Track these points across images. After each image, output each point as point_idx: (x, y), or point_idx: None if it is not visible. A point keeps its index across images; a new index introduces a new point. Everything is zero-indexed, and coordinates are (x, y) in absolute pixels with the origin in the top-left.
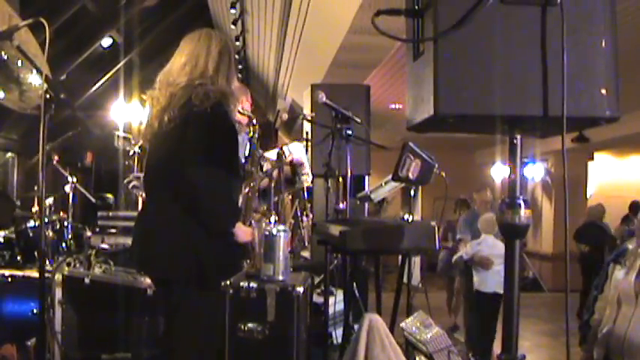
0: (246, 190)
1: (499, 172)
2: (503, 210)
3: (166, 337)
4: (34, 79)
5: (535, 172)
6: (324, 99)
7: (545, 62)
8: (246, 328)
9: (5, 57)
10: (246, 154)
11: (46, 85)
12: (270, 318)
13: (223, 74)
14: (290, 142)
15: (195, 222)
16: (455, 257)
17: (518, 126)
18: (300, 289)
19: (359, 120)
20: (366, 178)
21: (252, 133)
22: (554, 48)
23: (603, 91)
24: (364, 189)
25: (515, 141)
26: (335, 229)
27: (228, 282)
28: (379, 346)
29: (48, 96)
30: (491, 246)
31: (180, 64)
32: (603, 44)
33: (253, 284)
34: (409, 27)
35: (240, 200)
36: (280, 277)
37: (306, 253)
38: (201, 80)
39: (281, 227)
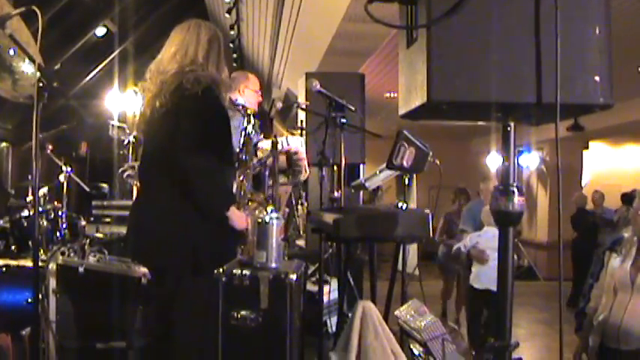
0: (241, 177)
1: (495, 160)
2: (497, 197)
3: (162, 324)
4: (26, 68)
5: (530, 160)
6: (318, 87)
7: (538, 49)
8: (239, 316)
9: None
10: (241, 143)
11: (39, 74)
12: (263, 305)
13: (213, 62)
14: (285, 130)
15: (189, 209)
16: (454, 248)
17: (512, 113)
18: (294, 277)
19: (353, 108)
20: (361, 166)
21: (247, 122)
22: (548, 35)
23: (597, 78)
24: (359, 177)
25: (508, 129)
26: (329, 217)
27: (221, 269)
28: (372, 333)
29: (41, 84)
30: (491, 239)
31: (170, 53)
32: (597, 32)
33: (246, 272)
34: (402, 14)
35: (235, 187)
36: (273, 265)
37: (301, 242)
38: (192, 67)
39: (274, 215)
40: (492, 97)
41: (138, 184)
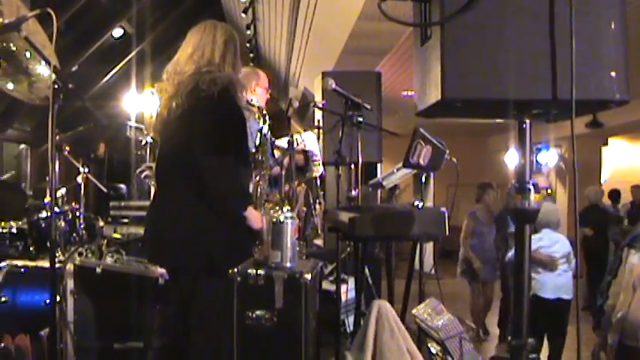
0: (257, 177)
1: (512, 158)
2: (513, 195)
3: (179, 325)
4: (42, 70)
5: (549, 158)
6: (334, 85)
7: (553, 45)
8: (254, 316)
9: (14, 48)
10: (257, 143)
11: (54, 76)
12: (278, 305)
13: (229, 62)
14: (302, 130)
15: (206, 209)
16: (509, 255)
17: (527, 110)
18: (308, 276)
19: (369, 106)
20: (379, 165)
21: (262, 122)
22: (563, 31)
23: (613, 74)
24: (377, 176)
25: (524, 126)
26: (344, 216)
27: (236, 269)
28: (388, 332)
29: (56, 86)
30: (554, 242)
31: (187, 54)
32: (612, 26)
33: (261, 271)
34: (416, 12)
35: (251, 187)
36: (288, 264)
37: (319, 241)
38: (208, 68)
39: (288, 214)
40: (507, 94)
41: (155, 184)
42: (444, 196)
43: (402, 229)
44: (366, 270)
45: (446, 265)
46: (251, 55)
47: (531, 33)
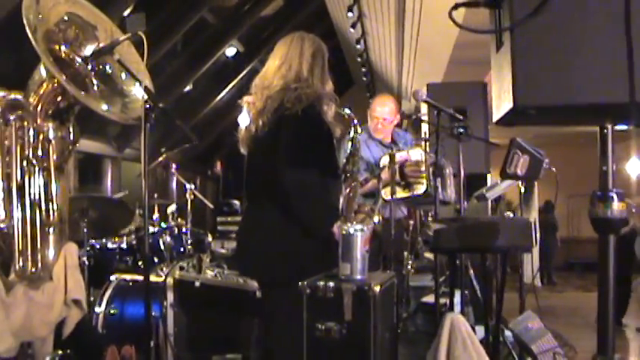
0: (348, 190)
1: (635, 167)
2: (594, 203)
3: (268, 338)
4: (137, 91)
5: None
6: (424, 97)
7: (630, 46)
8: (323, 328)
9: (110, 71)
10: (347, 153)
11: (146, 96)
12: (347, 317)
13: (317, 76)
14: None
15: (294, 224)
16: None
17: (605, 115)
18: (377, 288)
19: (460, 117)
20: (488, 176)
21: (354, 132)
22: (639, 29)
23: None
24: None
25: (605, 131)
26: (432, 229)
27: (305, 281)
28: (461, 346)
29: (148, 106)
30: None
31: (274, 67)
32: None
33: (330, 283)
34: (491, 18)
35: (342, 200)
36: (358, 277)
37: (430, 255)
38: (297, 83)
39: (358, 226)
40: (580, 99)
41: (245, 199)
42: (564, 207)
43: (487, 240)
44: (475, 283)
45: (569, 277)
46: (363, 69)
47: (606, 33)
